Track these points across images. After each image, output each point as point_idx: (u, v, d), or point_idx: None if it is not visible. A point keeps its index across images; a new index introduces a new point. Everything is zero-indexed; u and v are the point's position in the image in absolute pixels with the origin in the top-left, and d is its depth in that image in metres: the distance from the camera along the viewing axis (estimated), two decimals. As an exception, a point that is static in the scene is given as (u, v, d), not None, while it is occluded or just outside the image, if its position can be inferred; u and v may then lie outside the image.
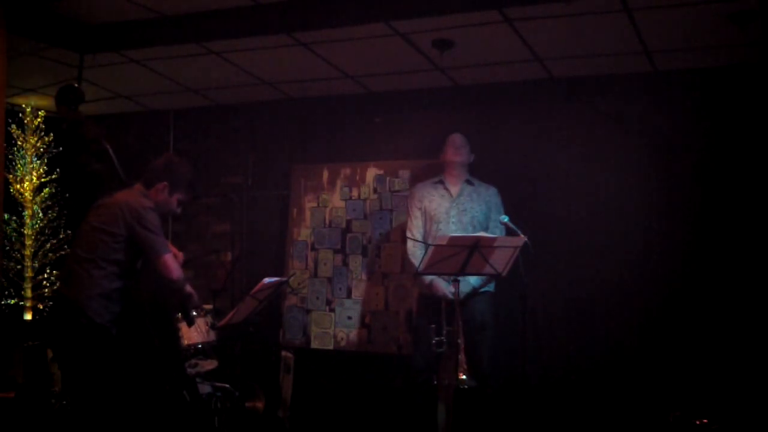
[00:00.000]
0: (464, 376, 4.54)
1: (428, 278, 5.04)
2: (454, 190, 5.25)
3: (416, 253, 5.19)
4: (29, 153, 6.92)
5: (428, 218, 5.25)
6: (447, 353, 4.65)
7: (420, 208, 5.28)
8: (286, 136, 6.73)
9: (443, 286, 4.94)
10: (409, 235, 5.30)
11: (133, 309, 3.84)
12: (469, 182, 5.28)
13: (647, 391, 5.33)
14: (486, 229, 5.03)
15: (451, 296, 4.78)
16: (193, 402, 4.34)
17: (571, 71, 5.68)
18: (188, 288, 4.01)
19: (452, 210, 5.19)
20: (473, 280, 4.98)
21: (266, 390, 5.56)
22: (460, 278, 4.78)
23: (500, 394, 5.27)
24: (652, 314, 5.47)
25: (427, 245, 4.59)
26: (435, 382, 4.72)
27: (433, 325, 4.77)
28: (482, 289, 5.05)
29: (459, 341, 4.60)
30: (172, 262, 3.81)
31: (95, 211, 3.85)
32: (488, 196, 5.25)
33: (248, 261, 6.38)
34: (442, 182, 5.30)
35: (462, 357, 4.58)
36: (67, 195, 7.07)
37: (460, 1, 4.62)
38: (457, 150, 5.26)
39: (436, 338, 4.70)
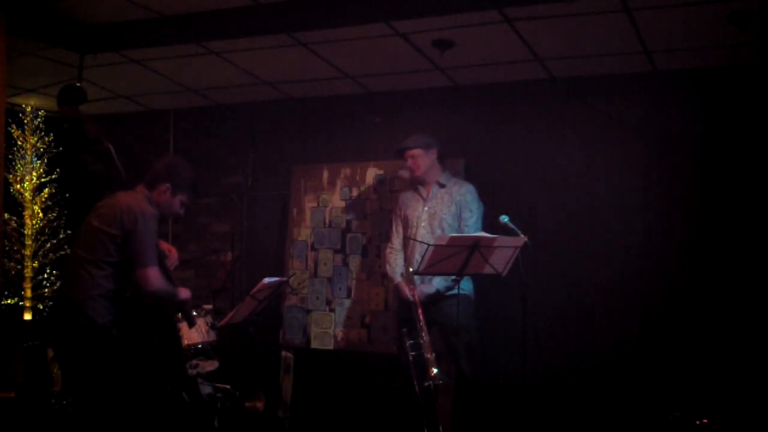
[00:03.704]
0: (435, 371, 4.58)
1: (395, 280, 5.21)
2: (426, 193, 5.29)
3: (391, 259, 5.37)
4: (29, 153, 6.92)
5: (405, 225, 5.33)
6: (421, 354, 4.72)
7: (399, 216, 5.40)
8: (286, 136, 6.73)
9: (406, 289, 5.03)
10: (389, 244, 5.43)
11: (134, 309, 3.84)
12: (440, 184, 5.25)
13: (647, 391, 5.33)
14: (457, 230, 5.03)
15: (411, 298, 4.89)
16: (193, 403, 4.34)
17: (571, 71, 5.68)
18: (182, 294, 4.00)
19: (423, 215, 5.22)
20: (437, 283, 4.99)
21: (266, 390, 5.56)
22: (427, 279, 4.95)
23: (500, 394, 5.28)
24: (652, 314, 5.47)
25: (426, 246, 4.60)
26: (416, 384, 4.74)
27: (405, 329, 4.85)
28: (452, 292, 4.89)
29: (422, 341, 4.70)
30: (153, 275, 3.73)
31: (96, 212, 3.85)
32: (459, 195, 5.18)
33: (248, 261, 6.38)
34: (417, 189, 5.34)
35: (430, 356, 4.63)
36: (67, 195, 7.07)
37: (460, 1, 4.62)
38: (411, 167, 5.25)
39: (410, 341, 4.75)
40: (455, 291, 4.92)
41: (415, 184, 5.39)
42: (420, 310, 4.83)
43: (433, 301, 4.98)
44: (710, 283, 5.33)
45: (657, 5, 4.50)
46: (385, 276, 6.08)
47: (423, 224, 5.19)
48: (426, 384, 4.62)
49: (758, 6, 4.44)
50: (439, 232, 5.06)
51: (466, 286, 5.09)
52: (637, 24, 4.76)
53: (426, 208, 5.22)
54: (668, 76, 5.58)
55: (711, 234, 5.39)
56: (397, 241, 5.37)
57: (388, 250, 5.42)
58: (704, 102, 5.48)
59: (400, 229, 5.38)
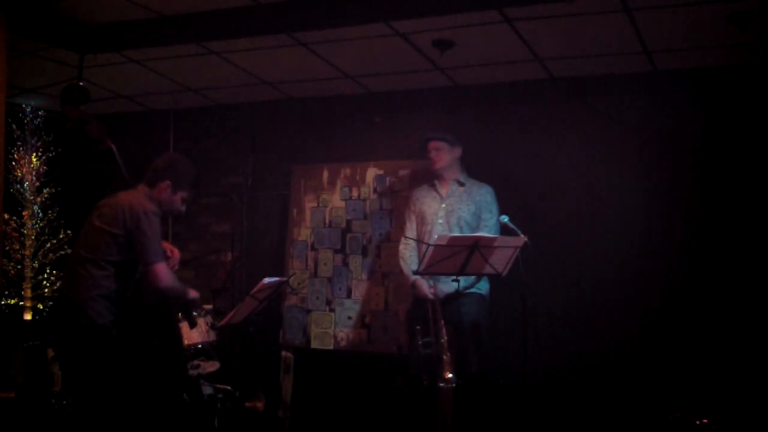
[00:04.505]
0: (450, 375, 4.56)
1: (412, 278, 5.14)
2: (444, 191, 5.29)
3: (405, 255, 5.34)
4: (29, 153, 6.91)
5: (421, 221, 5.32)
6: (435, 353, 4.68)
7: (414, 212, 5.40)
8: (286, 136, 6.73)
9: (425, 287, 4.99)
10: (402, 238, 5.40)
11: (134, 310, 3.84)
12: (459, 182, 5.28)
13: (647, 391, 5.33)
14: (475, 229, 5.04)
15: (431, 296, 4.86)
16: (194, 403, 4.34)
17: (571, 71, 5.68)
18: (191, 293, 4.00)
19: (440, 211, 5.22)
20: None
21: (266, 390, 5.56)
22: (443, 278, 4.89)
23: (500, 394, 5.28)
24: (652, 314, 5.47)
25: (427, 246, 4.61)
26: (425, 383, 4.73)
27: (418, 326, 4.82)
28: (470, 290, 5.00)
29: (442, 341, 4.66)
30: (163, 270, 3.74)
31: (98, 212, 3.84)
32: (479, 195, 5.22)
33: (248, 261, 6.38)
34: (434, 185, 5.35)
35: (446, 357, 4.61)
36: (67, 195, 7.07)
37: (460, 1, 4.61)
38: (432, 158, 5.27)
39: (423, 339, 4.74)
40: (473, 290, 4.95)
41: (431, 179, 5.39)
42: (439, 310, 4.79)
43: (449, 299, 4.96)
44: (710, 283, 5.33)
45: (657, 5, 4.50)
46: (385, 276, 6.10)
47: (440, 221, 5.19)
48: (440, 385, 4.60)
49: (758, 6, 4.44)
50: (456, 230, 5.07)
51: (483, 286, 5.12)
52: (637, 24, 4.76)
53: (443, 205, 5.23)
54: (668, 76, 5.58)
55: (711, 234, 5.39)
56: (411, 236, 5.33)
57: (402, 246, 5.38)
58: (704, 102, 5.48)
59: (414, 226, 5.36)
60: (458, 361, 4.91)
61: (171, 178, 3.93)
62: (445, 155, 5.24)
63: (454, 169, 5.29)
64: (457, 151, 5.29)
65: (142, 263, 3.75)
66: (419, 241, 5.12)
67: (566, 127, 5.81)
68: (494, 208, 5.18)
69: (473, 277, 4.94)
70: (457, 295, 4.94)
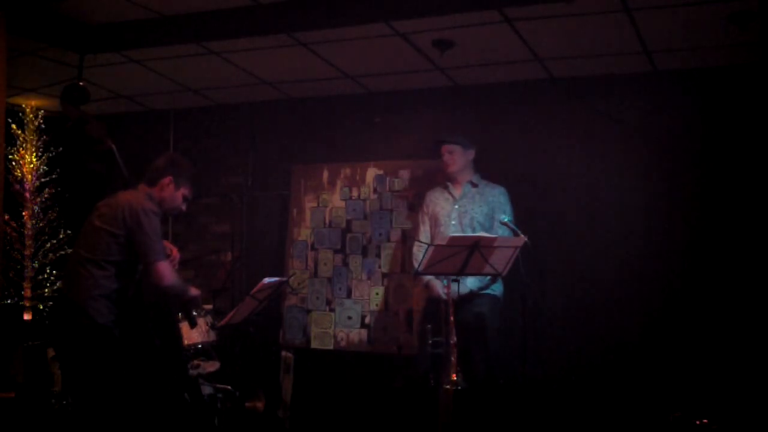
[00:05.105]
0: (456, 377, 4.56)
1: (425, 278, 5.14)
2: (457, 192, 5.29)
3: (419, 257, 5.28)
4: (29, 153, 6.91)
5: (434, 222, 5.33)
6: (444, 354, 4.67)
7: (427, 214, 5.41)
8: (286, 136, 6.73)
9: (438, 287, 4.99)
10: (416, 241, 5.40)
11: (135, 309, 3.84)
12: (472, 183, 5.29)
13: (647, 391, 5.33)
14: (488, 230, 5.04)
15: (444, 297, 4.84)
16: (194, 403, 4.34)
17: (571, 71, 5.68)
18: (192, 291, 4.01)
19: (453, 212, 5.23)
20: (470, 282, 4.98)
21: (266, 390, 5.56)
22: (460, 279, 4.84)
23: (500, 394, 5.28)
24: (652, 314, 5.47)
25: (428, 246, 4.61)
26: (432, 383, 4.72)
27: (429, 326, 4.81)
28: (484, 291, 5.03)
29: (451, 342, 4.64)
30: (166, 268, 3.75)
31: (98, 212, 3.85)
32: (492, 196, 5.23)
33: (248, 261, 6.38)
34: (447, 186, 5.36)
35: (453, 358, 4.60)
36: (67, 195, 7.07)
37: (460, 1, 4.62)
38: (446, 161, 5.27)
39: (434, 339, 4.73)
40: (488, 291, 4.97)
41: (444, 181, 5.40)
42: (451, 310, 4.78)
43: (463, 300, 4.94)
44: (710, 282, 5.33)
45: (657, 5, 4.50)
46: (385, 276, 6.10)
47: (453, 222, 5.20)
48: (446, 387, 4.59)
49: (758, 6, 4.44)
50: (469, 230, 5.08)
51: (497, 287, 5.12)
52: (637, 24, 4.76)
53: (456, 207, 5.24)
54: (668, 76, 5.58)
55: (711, 234, 5.39)
56: (424, 237, 5.34)
57: (416, 248, 5.38)
58: (704, 102, 5.48)
59: (428, 227, 5.38)
60: (465, 363, 4.91)
61: (172, 174, 3.96)
62: (458, 158, 5.25)
63: (467, 171, 5.31)
64: (471, 154, 5.30)
65: (144, 262, 3.75)
66: (431, 244, 5.11)
67: (566, 127, 5.81)
68: (508, 209, 5.19)
69: (488, 277, 4.94)
70: (471, 296, 4.96)
